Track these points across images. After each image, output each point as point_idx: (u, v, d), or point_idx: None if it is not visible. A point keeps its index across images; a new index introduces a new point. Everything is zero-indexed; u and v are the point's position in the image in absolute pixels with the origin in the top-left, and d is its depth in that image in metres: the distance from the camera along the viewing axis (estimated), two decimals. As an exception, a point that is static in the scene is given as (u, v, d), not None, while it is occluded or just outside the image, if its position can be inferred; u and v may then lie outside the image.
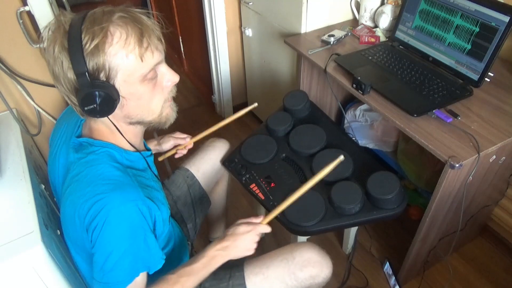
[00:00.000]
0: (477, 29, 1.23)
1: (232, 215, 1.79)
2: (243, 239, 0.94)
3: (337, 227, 1.16)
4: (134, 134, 0.86)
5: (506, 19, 1.14)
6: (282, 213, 1.15)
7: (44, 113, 1.46)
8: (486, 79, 1.28)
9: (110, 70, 0.73)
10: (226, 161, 1.36)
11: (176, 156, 1.29)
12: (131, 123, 0.83)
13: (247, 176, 1.29)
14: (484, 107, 1.23)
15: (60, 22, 0.73)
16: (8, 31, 1.29)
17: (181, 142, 1.29)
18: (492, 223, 1.68)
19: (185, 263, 0.90)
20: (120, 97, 0.76)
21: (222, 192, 1.51)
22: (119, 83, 0.75)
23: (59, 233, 1.15)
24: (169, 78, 0.82)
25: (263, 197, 1.22)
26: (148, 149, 0.96)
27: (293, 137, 1.35)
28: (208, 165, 1.35)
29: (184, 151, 1.30)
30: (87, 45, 0.70)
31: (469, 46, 1.26)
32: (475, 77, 1.26)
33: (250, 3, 1.95)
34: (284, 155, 1.32)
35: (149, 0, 3.11)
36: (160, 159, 1.27)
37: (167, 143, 1.28)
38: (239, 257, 0.96)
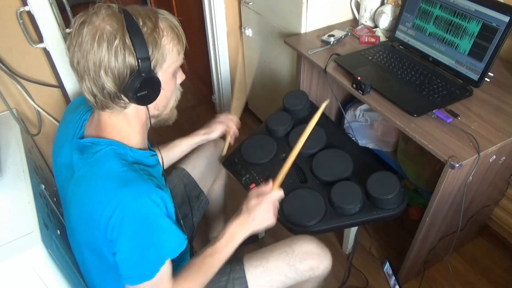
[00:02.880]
0: (477, 29, 1.22)
1: (232, 215, 1.79)
2: (258, 211, 0.94)
3: (337, 227, 1.16)
4: (143, 131, 0.88)
5: (506, 19, 1.14)
6: (282, 213, 1.15)
7: (44, 113, 1.46)
8: (486, 79, 1.28)
9: (160, 59, 0.77)
10: (226, 161, 1.36)
11: (232, 141, 1.34)
12: (152, 116, 0.86)
13: (247, 176, 1.29)
14: (484, 107, 1.23)
15: (110, 9, 0.75)
16: (8, 31, 1.29)
17: (230, 124, 1.31)
18: (492, 223, 1.68)
19: (207, 245, 0.92)
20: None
21: (219, 190, 1.50)
22: (160, 73, 0.79)
23: (59, 233, 1.15)
24: (182, 76, 0.88)
25: (263, 197, 1.22)
26: (152, 150, 0.96)
27: (293, 137, 1.35)
28: (203, 163, 1.35)
29: (237, 134, 1.34)
30: (146, 34, 0.74)
31: (469, 46, 1.26)
32: (475, 77, 1.26)
33: (250, 3, 1.95)
34: (284, 155, 1.32)
35: (149, 0, 3.11)
36: (224, 154, 1.33)
37: (216, 131, 1.29)
38: (262, 228, 0.97)
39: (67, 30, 1.42)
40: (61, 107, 1.49)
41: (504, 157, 1.22)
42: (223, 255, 0.92)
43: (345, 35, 1.60)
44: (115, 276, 0.82)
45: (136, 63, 0.74)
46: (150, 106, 0.82)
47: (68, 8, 1.38)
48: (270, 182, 1.00)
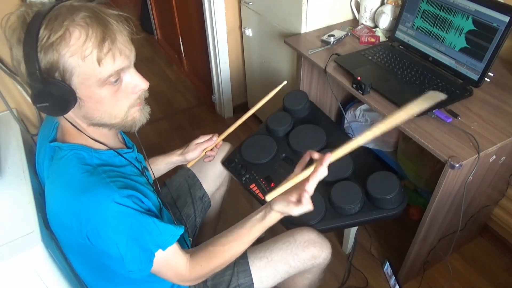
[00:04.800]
0: (477, 29, 1.23)
1: (232, 215, 1.79)
2: (293, 202, 0.85)
3: (337, 227, 1.16)
4: (102, 134, 0.83)
5: (506, 19, 1.14)
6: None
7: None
8: (486, 79, 1.28)
9: (65, 71, 0.70)
10: (226, 161, 1.36)
11: (206, 160, 1.22)
12: (92, 124, 0.80)
13: (247, 176, 1.29)
14: (484, 107, 1.23)
15: (23, 12, 0.70)
16: (8, 31, 1.29)
17: (208, 144, 1.19)
18: (492, 223, 1.68)
19: (233, 227, 0.92)
20: (78, 98, 0.73)
21: (219, 198, 1.50)
22: (76, 84, 0.72)
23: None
24: (136, 84, 0.78)
25: (263, 197, 1.22)
26: (129, 147, 0.95)
27: (293, 137, 1.35)
28: (210, 166, 1.34)
29: (214, 153, 1.22)
30: (43, 41, 0.67)
31: (469, 46, 1.26)
32: (475, 77, 1.26)
33: (250, 3, 1.95)
34: (284, 155, 1.32)
35: (149, 0, 3.11)
36: (189, 165, 1.20)
37: (192, 153, 1.17)
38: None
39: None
40: (61, 107, 1.49)
41: (504, 157, 1.22)
42: (245, 244, 0.92)
43: (345, 35, 1.60)
44: (104, 275, 0.82)
45: (26, 72, 0.69)
46: (78, 115, 0.77)
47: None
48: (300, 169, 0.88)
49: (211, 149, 1.20)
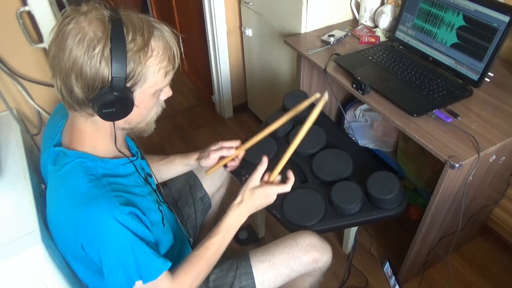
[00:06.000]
0: (477, 29, 1.22)
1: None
2: (260, 197, 1.00)
3: (337, 227, 1.16)
4: (118, 139, 0.84)
5: (506, 19, 1.14)
6: (282, 213, 1.15)
7: (44, 113, 1.46)
8: (486, 79, 1.28)
9: (140, 79, 0.73)
10: (226, 161, 1.36)
11: (228, 169, 1.20)
12: (123, 129, 0.83)
13: (247, 176, 1.29)
14: (484, 107, 1.23)
15: (101, 14, 0.70)
16: (8, 31, 1.29)
17: (226, 153, 1.13)
18: (492, 223, 1.68)
19: (205, 237, 0.94)
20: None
21: (219, 199, 1.49)
22: (138, 92, 0.76)
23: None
24: (167, 93, 0.85)
25: (263, 197, 1.22)
26: (133, 154, 0.95)
27: (293, 137, 1.34)
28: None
29: (236, 163, 1.17)
30: (131, 51, 0.70)
31: (469, 46, 1.26)
32: (475, 77, 1.26)
33: (250, 3, 1.95)
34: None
35: (149, 0, 3.11)
36: (208, 172, 1.16)
37: (205, 160, 1.13)
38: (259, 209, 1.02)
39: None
40: (61, 107, 1.49)
41: (504, 157, 1.22)
42: (222, 247, 0.95)
43: (345, 35, 1.60)
44: (102, 276, 0.82)
45: (110, 79, 0.69)
46: (119, 121, 0.79)
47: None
48: (264, 175, 1.03)
49: (233, 159, 1.16)
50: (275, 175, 1.05)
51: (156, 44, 0.73)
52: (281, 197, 1.19)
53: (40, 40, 1.34)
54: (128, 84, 0.72)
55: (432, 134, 1.13)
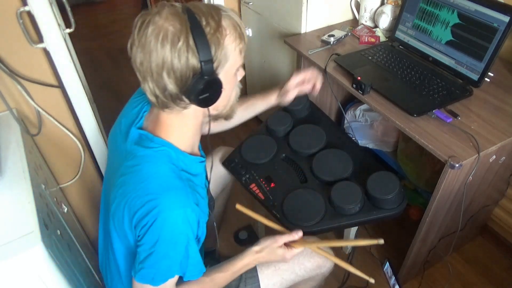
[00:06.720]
0: (477, 29, 1.22)
1: (232, 215, 1.79)
2: (278, 257, 1.00)
3: (337, 227, 1.16)
4: (198, 133, 0.89)
5: (506, 19, 1.14)
6: (282, 213, 1.15)
7: (44, 113, 1.46)
8: (486, 79, 1.28)
9: (222, 59, 0.75)
10: (226, 161, 1.36)
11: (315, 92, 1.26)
12: (210, 116, 0.85)
13: (247, 176, 1.29)
14: (484, 107, 1.23)
15: (173, 8, 0.73)
16: (8, 31, 1.29)
17: (305, 89, 1.23)
18: (492, 223, 1.68)
19: (218, 265, 0.95)
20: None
21: (223, 200, 1.49)
22: (222, 73, 0.77)
23: (59, 233, 1.15)
24: (242, 73, 0.87)
25: (263, 197, 1.22)
26: (203, 155, 0.97)
27: (293, 137, 1.35)
28: (215, 169, 1.34)
29: (310, 85, 1.24)
30: (209, 34, 0.72)
31: (469, 46, 1.26)
32: (475, 77, 1.26)
33: (250, 3, 1.95)
34: (284, 155, 1.32)
35: (149, 0, 3.11)
36: (239, 207, 1.06)
37: (287, 96, 1.21)
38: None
39: (67, 30, 1.42)
40: (61, 107, 1.49)
41: (504, 157, 1.22)
42: (226, 282, 0.97)
43: (345, 35, 1.60)
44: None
45: (199, 65, 0.72)
46: (210, 107, 0.81)
47: (68, 8, 1.38)
48: (299, 235, 1.02)
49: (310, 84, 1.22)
50: (301, 247, 1.03)
51: (226, 24, 0.75)
52: (281, 197, 1.19)
53: (40, 40, 1.34)
54: (214, 67, 0.75)
55: (432, 134, 1.13)
